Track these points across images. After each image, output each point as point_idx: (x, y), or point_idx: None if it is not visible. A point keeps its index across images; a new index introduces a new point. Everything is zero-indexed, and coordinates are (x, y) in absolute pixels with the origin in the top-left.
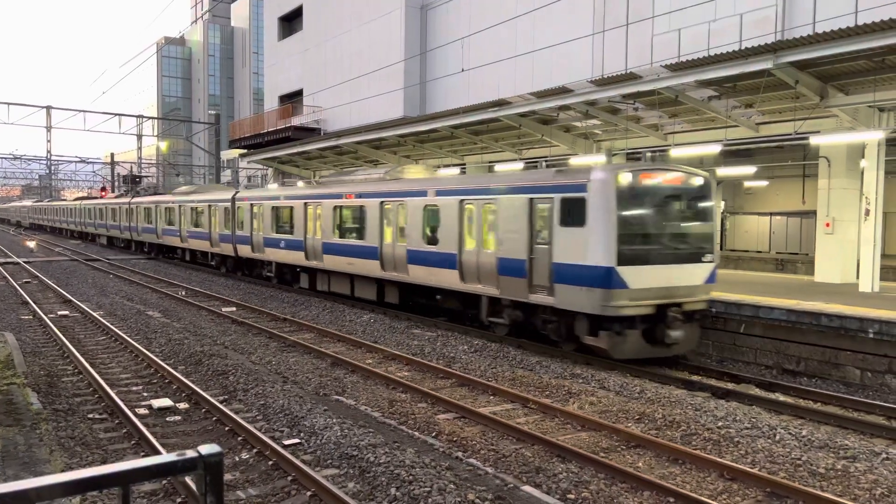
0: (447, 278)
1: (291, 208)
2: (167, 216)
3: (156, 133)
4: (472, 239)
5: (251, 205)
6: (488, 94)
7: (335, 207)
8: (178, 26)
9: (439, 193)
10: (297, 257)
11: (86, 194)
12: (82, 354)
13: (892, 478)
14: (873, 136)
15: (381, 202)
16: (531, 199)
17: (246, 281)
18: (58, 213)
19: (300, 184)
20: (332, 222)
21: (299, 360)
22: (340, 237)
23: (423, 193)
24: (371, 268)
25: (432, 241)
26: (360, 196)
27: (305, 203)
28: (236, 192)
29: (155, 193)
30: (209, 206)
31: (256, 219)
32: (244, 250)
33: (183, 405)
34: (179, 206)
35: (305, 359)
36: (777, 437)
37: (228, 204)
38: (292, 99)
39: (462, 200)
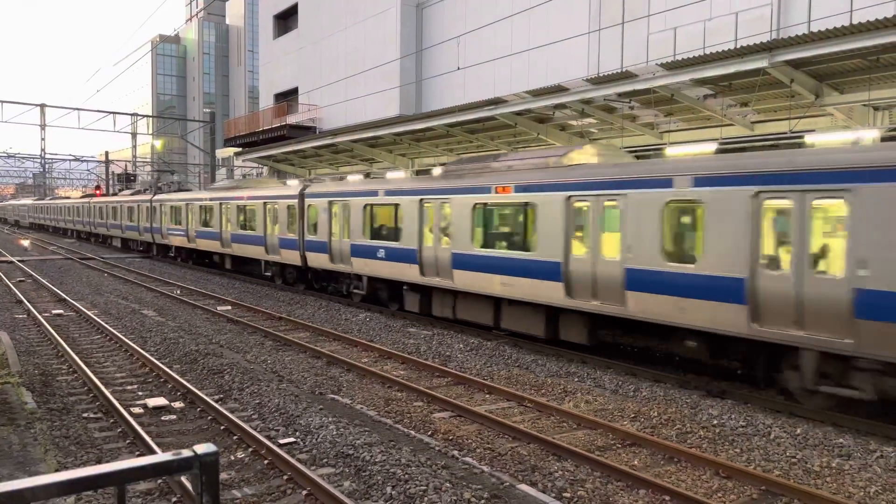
0: (721, 316)
1: (397, 207)
2: (203, 216)
3: (150, 131)
4: (783, 256)
5: (330, 202)
6: (484, 93)
7: (476, 206)
8: (173, 24)
9: (703, 182)
10: (404, 272)
11: (85, 192)
12: (77, 353)
13: (886, 476)
14: (868, 135)
15: (569, 198)
16: None
17: (241, 280)
18: (62, 211)
19: (403, 174)
20: (470, 226)
21: (295, 358)
22: (485, 247)
23: (661, 183)
24: (545, 292)
25: (681, 256)
26: (524, 190)
27: (422, 200)
28: (306, 187)
29: (179, 189)
30: (264, 203)
31: (338, 220)
32: (318, 260)
33: (178, 404)
34: (221, 203)
35: (301, 357)
36: (772, 436)
37: (294, 201)
38: (287, 97)
39: (759, 193)
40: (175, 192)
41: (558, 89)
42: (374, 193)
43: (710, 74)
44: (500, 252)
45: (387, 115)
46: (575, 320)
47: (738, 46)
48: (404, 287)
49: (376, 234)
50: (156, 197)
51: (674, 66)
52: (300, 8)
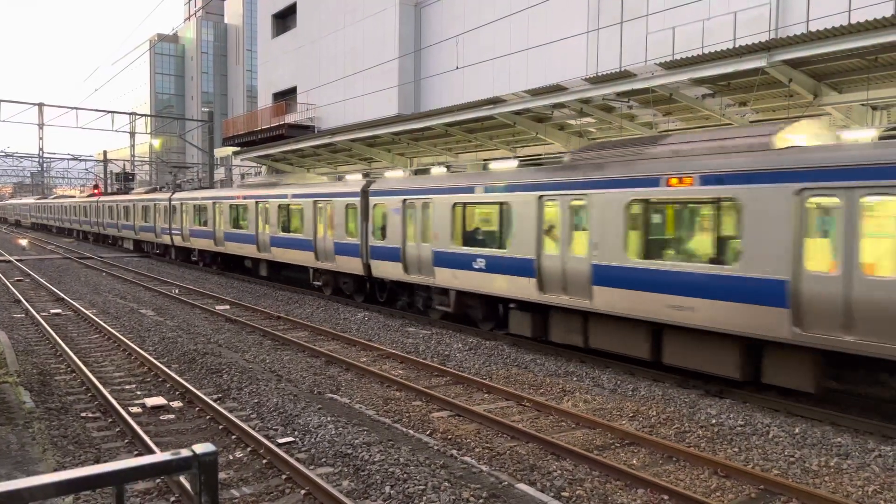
0: None
1: (502, 206)
2: (234, 216)
3: (149, 131)
4: None
5: (405, 201)
6: (483, 92)
7: (632, 204)
8: (172, 23)
9: None
10: (513, 287)
11: (91, 191)
12: (75, 353)
13: (884, 475)
14: (866, 135)
15: (801, 191)
16: None
17: (240, 279)
18: (68, 211)
19: (508, 164)
20: (621, 230)
21: (293, 358)
22: (647, 257)
23: None
24: (753, 319)
25: None
26: (718, 181)
27: (542, 197)
28: (371, 182)
29: (202, 187)
30: (314, 202)
31: (416, 222)
32: (386, 269)
33: (177, 404)
34: (257, 202)
35: (299, 357)
36: (771, 435)
37: (355, 199)
38: (286, 96)
39: None
40: (197, 189)
41: (557, 89)
42: (467, 190)
43: (708, 74)
44: (673, 265)
45: (386, 114)
46: (795, 359)
47: (737, 46)
48: (510, 305)
49: (471, 239)
50: (175, 195)
51: (672, 66)
52: (299, 7)
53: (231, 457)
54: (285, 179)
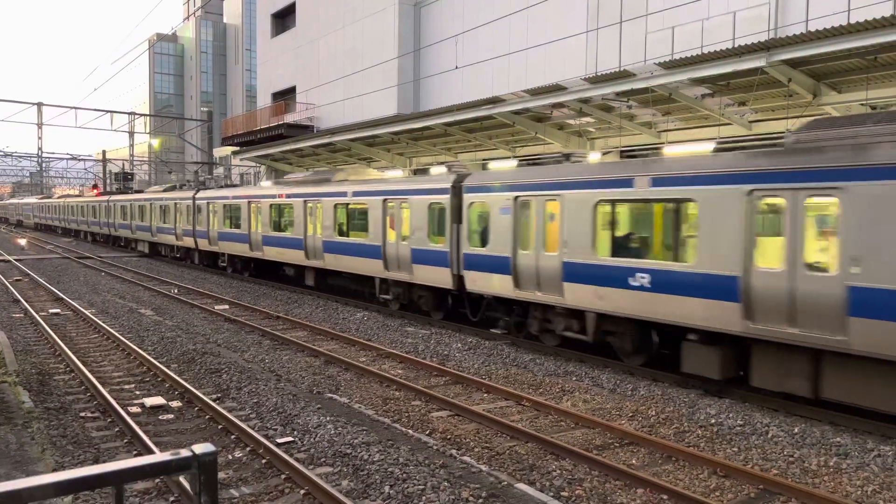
0: None
1: (681, 204)
2: (274, 218)
3: (148, 130)
4: None
5: (517, 198)
6: (482, 92)
7: None
8: (171, 23)
9: None
10: (697, 312)
11: (92, 191)
12: (74, 353)
13: (883, 475)
14: None
15: None
16: None
17: (238, 279)
18: (75, 211)
19: (689, 148)
20: None
21: (293, 358)
22: None
23: None
24: None
25: None
26: None
27: (752, 191)
28: (463, 177)
29: (230, 185)
30: (384, 201)
31: (534, 226)
32: (488, 282)
33: (176, 403)
34: (305, 201)
35: (299, 357)
36: (770, 435)
37: (442, 197)
38: (285, 96)
39: None
40: (225, 187)
41: (556, 88)
42: (622, 183)
43: (707, 74)
44: None
45: (385, 113)
46: None
47: (736, 46)
48: (689, 337)
49: (624, 247)
50: (200, 194)
51: (672, 66)
52: (298, 7)
53: (230, 457)
54: (339, 175)
